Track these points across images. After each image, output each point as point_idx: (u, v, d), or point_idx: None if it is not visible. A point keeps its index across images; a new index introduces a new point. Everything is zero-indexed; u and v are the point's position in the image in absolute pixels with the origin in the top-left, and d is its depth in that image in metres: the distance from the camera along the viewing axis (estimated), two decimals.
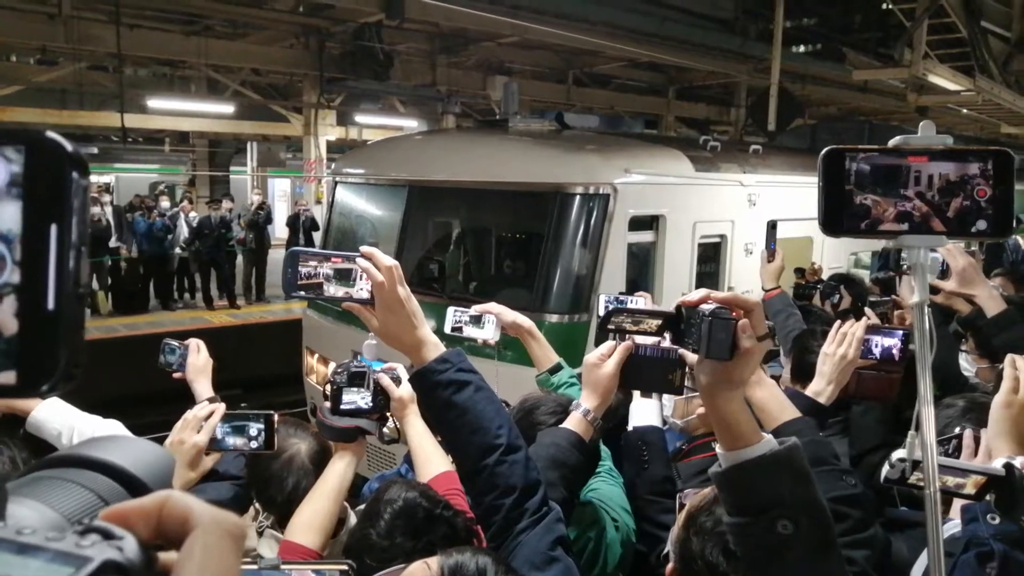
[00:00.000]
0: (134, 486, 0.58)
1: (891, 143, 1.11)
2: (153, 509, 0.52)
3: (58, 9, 11.18)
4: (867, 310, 3.53)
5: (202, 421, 2.01)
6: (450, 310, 2.98)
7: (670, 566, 1.57)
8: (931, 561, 1.13)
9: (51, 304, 0.49)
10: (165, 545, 0.51)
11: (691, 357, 1.41)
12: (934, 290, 2.98)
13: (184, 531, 0.51)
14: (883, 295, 4.53)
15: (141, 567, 0.47)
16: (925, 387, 1.13)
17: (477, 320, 2.92)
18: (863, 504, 1.84)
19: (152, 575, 0.49)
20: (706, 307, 1.32)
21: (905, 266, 3.48)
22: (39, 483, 0.55)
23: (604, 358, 1.89)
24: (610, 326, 1.60)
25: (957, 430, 2.01)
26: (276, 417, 2.10)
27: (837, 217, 1.13)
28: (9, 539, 0.45)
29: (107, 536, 0.47)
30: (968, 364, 3.40)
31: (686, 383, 1.83)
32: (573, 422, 1.94)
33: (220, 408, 2.06)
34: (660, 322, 1.47)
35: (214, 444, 2.03)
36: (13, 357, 0.49)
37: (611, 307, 1.67)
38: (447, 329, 2.91)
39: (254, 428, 2.05)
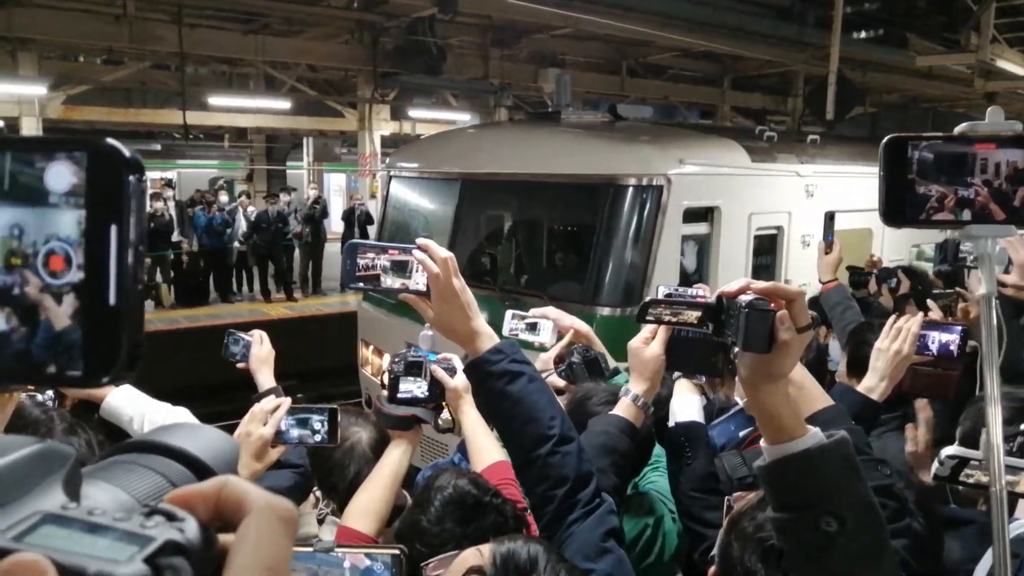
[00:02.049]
0: (201, 471, 0.61)
1: (957, 130, 1.07)
2: (212, 493, 0.54)
3: (123, 10, 11.53)
4: (930, 302, 3.43)
5: (268, 414, 2.06)
6: (508, 314, 3.04)
7: (713, 569, 1.56)
8: (996, 561, 1.09)
9: (112, 300, 0.52)
10: (223, 527, 0.54)
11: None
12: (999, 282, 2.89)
13: (240, 514, 0.53)
14: (946, 288, 4.40)
15: (200, 547, 0.50)
16: (991, 383, 1.08)
17: (532, 326, 2.99)
18: (897, 495, 1.80)
19: (211, 554, 0.51)
20: (744, 298, 1.29)
21: (971, 258, 3.36)
22: (114, 467, 0.59)
23: (648, 341, 1.88)
24: (649, 317, 1.58)
25: (1023, 426, 1.94)
26: (339, 411, 2.15)
27: (899, 207, 1.10)
28: (81, 519, 0.48)
29: (170, 518, 0.50)
30: None
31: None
32: (622, 408, 1.94)
33: (286, 402, 2.11)
34: (700, 313, 1.45)
35: (279, 437, 2.08)
36: (78, 350, 0.52)
37: (657, 295, 1.64)
38: (505, 333, 2.96)
39: (318, 421, 2.10)
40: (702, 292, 1.91)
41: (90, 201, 0.51)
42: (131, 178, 0.52)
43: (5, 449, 0.51)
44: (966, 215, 1.07)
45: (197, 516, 0.52)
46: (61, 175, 0.51)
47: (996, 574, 1.11)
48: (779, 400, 1.28)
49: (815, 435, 1.27)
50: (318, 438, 2.09)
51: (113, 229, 0.52)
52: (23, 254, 0.51)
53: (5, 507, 0.48)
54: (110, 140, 0.53)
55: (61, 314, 0.52)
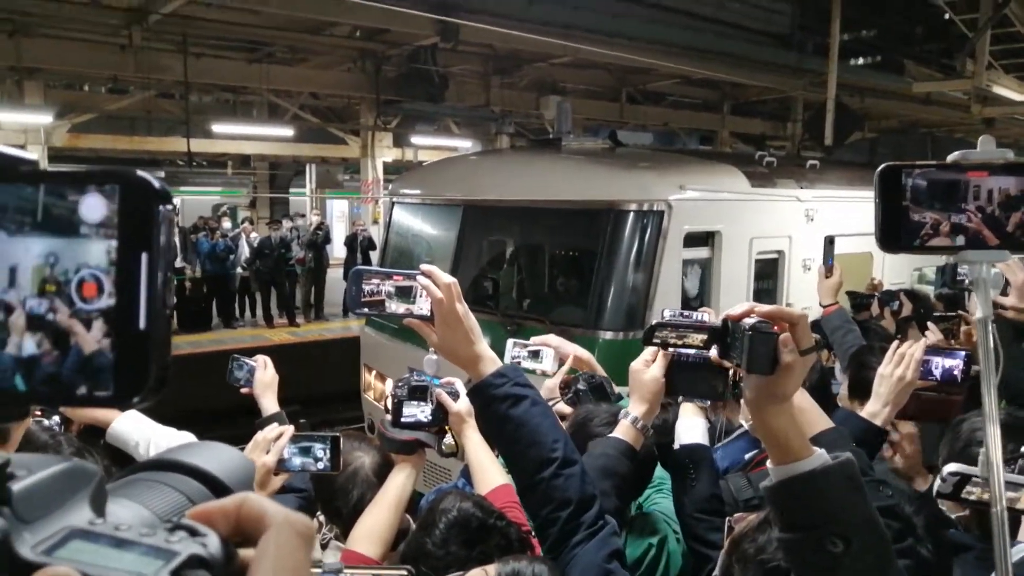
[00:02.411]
0: (218, 488, 0.63)
1: (949, 158, 1.10)
2: (233, 509, 0.57)
3: (128, 40, 11.67)
4: (931, 325, 3.44)
5: (271, 443, 2.08)
6: (509, 343, 3.09)
7: None
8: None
9: (142, 324, 0.54)
10: (243, 542, 0.56)
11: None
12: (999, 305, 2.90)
13: (260, 530, 0.56)
14: (947, 311, 4.41)
15: (222, 561, 0.52)
16: (990, 403, 1.10)
17: (535, 354, 3.02)
18: (900, 515, 1.80)
19: (232, 569, 0.53)
20: (749, 321, 1.31)
21: (967, 281, 3.37)
22: (135, 484, 0.61)
23: (648, 363, 1.90)
24: (655, 340, 1.60)
25: None
26: (341, 439, 2.16)
27: (894, 233, 1.12)
28: (108, 534, 0.50)
29: (193, 533, 0.52)
30: None
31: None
32: (622, 430, 1.96)
33: (288, 430, 2.13)
34: (706, 336, 1.47)
35: (282, 465, 2.10)
36: (109, 372, 0.54)
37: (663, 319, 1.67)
38: (506, 361, 2.99)
39: (320, 449, 2.11)
40: (707, 316, 1.93)
41: (122, 231, 0.54)
42: (161, 208, 0.55)
43: (35, 467, 0.53)
44: (960, 240, 1.09)
45: (218, 531, 0.54)
46: (94, 207, 0.54)
47: None
48: (784, 422, 1.30)
49: (820, 456, 1.29)
50: (320, 465, 2.11)
51: (144, 257, 0.54)
52: (56, 281, 0.54)
53: (35, 523, 0.50)
54: (141, 172, 0.55)
55: (92, 339, 0.54)
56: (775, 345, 1.27)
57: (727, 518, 1.71)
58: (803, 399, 1.90)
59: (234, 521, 0.56)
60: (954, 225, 1.09)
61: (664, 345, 1.61)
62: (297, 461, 2.11)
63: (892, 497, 1.78)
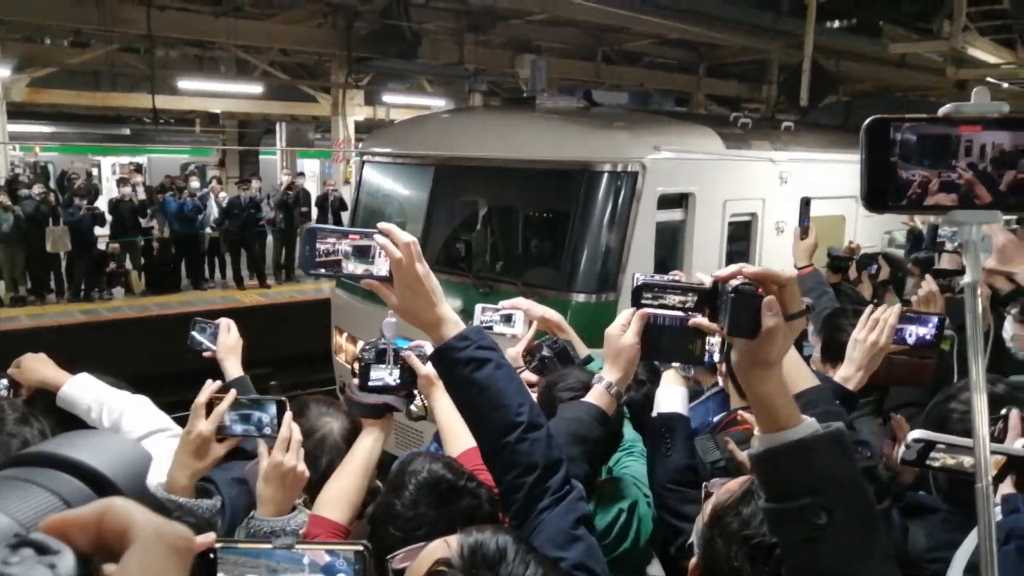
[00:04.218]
0: (103, 486, 0.55)
1: (941, 111, 1.04)
2: (92, 519, 0.48)
3: None
4: (928, 277, 3.34)
5: (204, 407, 1.96)
6: (478, 308, 3.04)
7: (693, 560, 1.53)
8: (983, 558, 1.06)
9: None
10: (111, 557, 0.48)
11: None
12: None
13: (123, 544, 0.47)
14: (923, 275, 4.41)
15: None
16: (977, 372, 1.03)
17: (507, 318, 2.97)
18: (879, 477, 1.80)
19: None
20: (734, 282, 1.26)
21: (956, 244, 3.34)
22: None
23: (624, 328, 1.85)
24: (643, 303, 1.55)
25: (1003, 411, 1.93)
26: (288, 404, 2.04)
27: (881, 192, 1.05)
28: None
29: (41, 551, 0.44)
30: (1009, 332, 3.29)
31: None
32: (595, 395, 1.91)
33: (229, 396, 1.99)
34: (695, 298, 1.42)
35: (223, 431, 1.98)
36: None
37: (640, 282, 1.61)
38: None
39: (265, 415, 2.00)
40: (677, 279, 1.89)
41: None
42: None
43: None
44: (950, 200, 1.03)
45: (75, 546, 0.45)
46: None
47: (983, 572, 1.08)
48: (771, 388, 1.25)
49: (810, 425, 1.24)
50: (267, 431, 1.98)
51: None
52: None
53: None
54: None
55: None
56: (757, 308, 1.22)
57: (704, 483, 1.68)
58: (791, 354, 1.85)
59: (94, 533, 0.48)
60: (944, 183, 1.03)
61: (652, 306, 1.56)
62: (239, 428, 1.98)
63: (871, 459, 1.76)
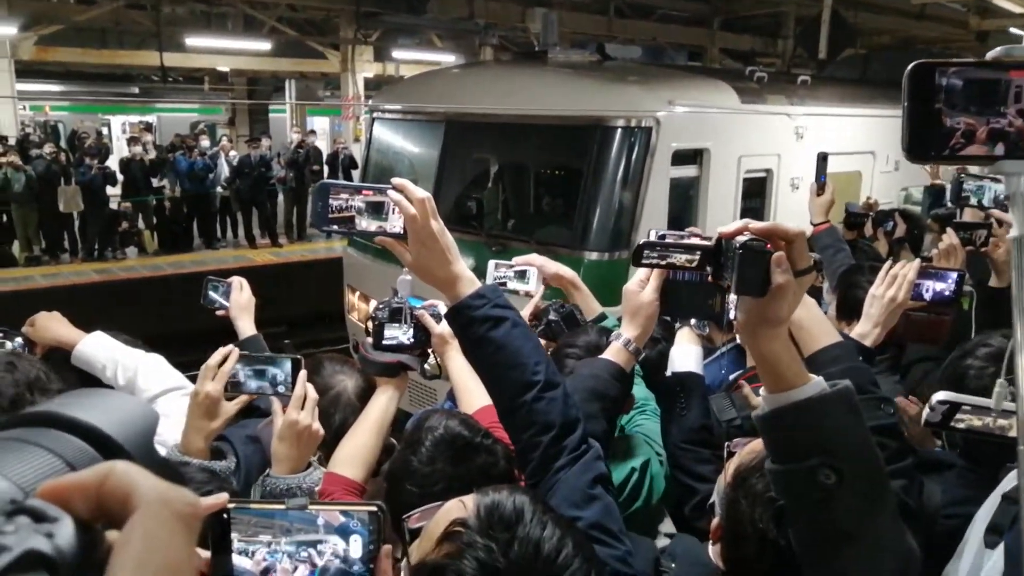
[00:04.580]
0: (109, 448, 0.52)
1: (990, 55, 0.98)
2: (93, 484, 0.46)
3: None
4: (949, 231, 3.27)
5: (215, 369, 1.96)
6: (491, 264, 2.99)
7: (715, 521, 1.52)
8: (1022, 523, 1.04)
9: None
10: (114, 523, 0.45)
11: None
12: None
13: (126, 511, 0.45)
14: (942, 232, 4.33)
15: (74, 556, 0.42)
16: (1021, 331, 0.98)
17: (521, 274, 2.92)
18: (900, 434, 1.77)
19: (94, 558, 0.43)
20: (741, 238, 1.22)
21: (971, 199, 3.25)
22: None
23: (643, 284, 1.82)
24: (644, 262, 1.52)
25: None
26: (303, 361, 2.03)
27: (923, 141, 0.99)
28: None
29: (38, 519, 0.42)
30: None
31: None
32: (613, 352, 1.89)
33: (234, 354, 1.98)
34: (698, 256, 1.38)
35: (237, 388, 1.98)
36: None
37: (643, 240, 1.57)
38: (490, 282, 2.91)
39: (280, 371, 1.99)
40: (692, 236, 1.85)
41: None
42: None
43: None
44: (998, 149, 0.97)
45: (75, 513, 0.43)
46: None
47: (1021, 537, 1.05)
48: (778, 347, 1.22)
49: (817, 384, 1.21)
50: (281, 389, 1.97)
51: None
52: None
53: None
54: None
55: None
56: (766, 265, 1.17)
57: (726, 443, 1.66)
58: (812, 308, 1.82)
59: (95, 499, 0.45)
60: (992, 131, 0.96)
61: (654, 265, 1.52)
62: (253, 384, 1.97)
63: (893, 416, 1.74)
